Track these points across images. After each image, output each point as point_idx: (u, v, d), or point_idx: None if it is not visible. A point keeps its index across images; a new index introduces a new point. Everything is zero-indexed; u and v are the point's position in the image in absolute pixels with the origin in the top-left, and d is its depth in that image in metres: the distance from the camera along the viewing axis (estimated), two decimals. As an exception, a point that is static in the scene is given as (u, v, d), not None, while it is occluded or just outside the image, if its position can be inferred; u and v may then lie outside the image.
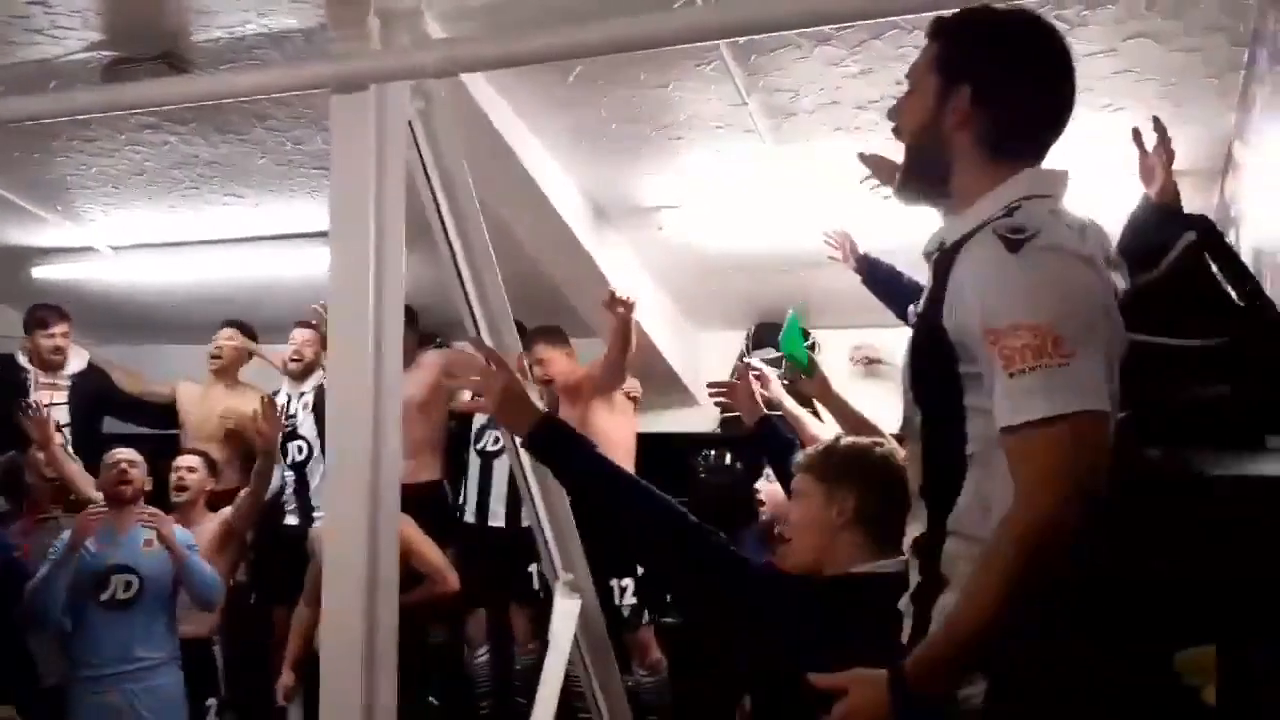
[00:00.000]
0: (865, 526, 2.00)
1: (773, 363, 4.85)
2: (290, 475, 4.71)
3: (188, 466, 4.26)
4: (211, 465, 4.38)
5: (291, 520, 4.69)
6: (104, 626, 3.70)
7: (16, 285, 5.23)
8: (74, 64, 3.05)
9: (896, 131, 1.62)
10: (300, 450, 4.70)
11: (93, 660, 3.69)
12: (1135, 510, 1.43)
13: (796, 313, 3.88)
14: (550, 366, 4.49)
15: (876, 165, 2.76)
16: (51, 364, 4.89)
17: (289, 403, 4.73)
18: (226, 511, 4.30)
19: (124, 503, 3.83)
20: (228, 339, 5.00)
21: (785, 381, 4.75)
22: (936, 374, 1.47)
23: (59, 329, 4.86)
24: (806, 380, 3.27)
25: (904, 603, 1.59)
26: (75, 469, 4.39)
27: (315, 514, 4.58)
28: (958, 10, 1.60)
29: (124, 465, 3.84)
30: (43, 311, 4.87)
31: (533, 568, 4.43)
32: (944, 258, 1.49)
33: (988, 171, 1.51)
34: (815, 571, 2.05)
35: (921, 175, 1.59)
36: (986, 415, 1.39)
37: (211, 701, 4.17)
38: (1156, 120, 2.15)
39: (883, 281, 3.31)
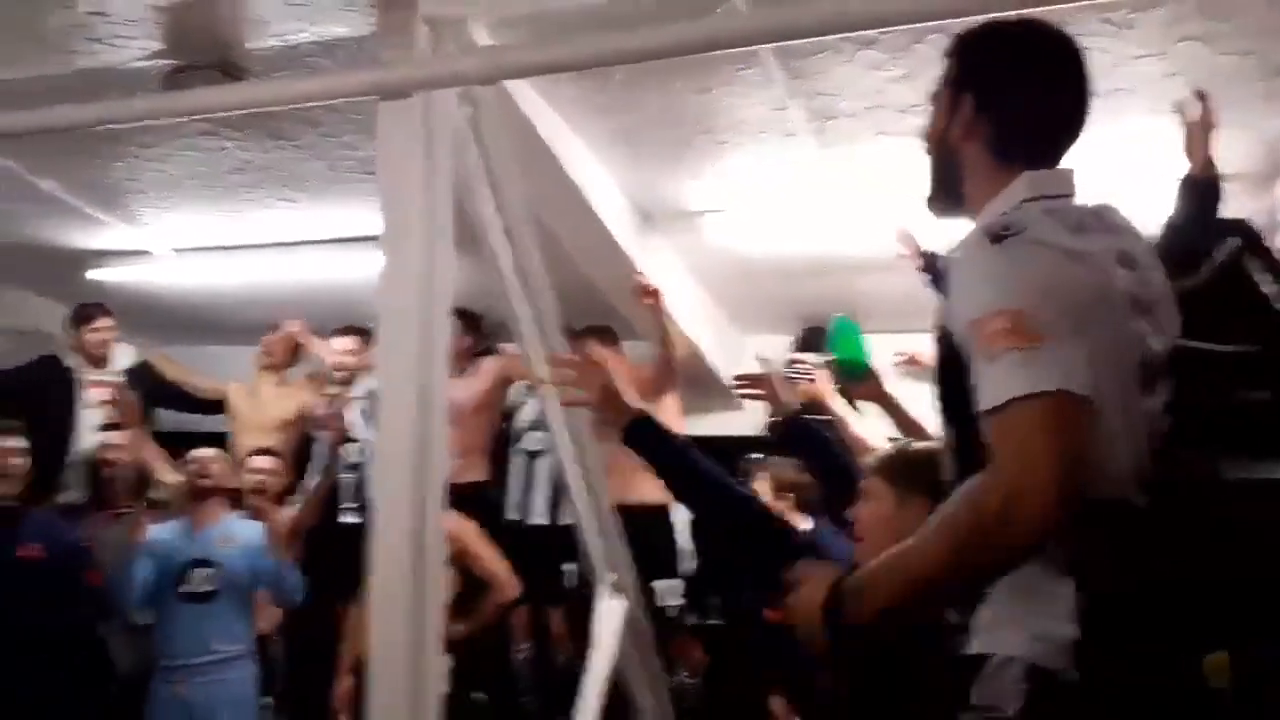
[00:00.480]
0: None
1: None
2: (350, 476, 4.78)
3: (270, 470, 4.36)
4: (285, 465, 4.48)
5: (352, 519, 4.76)
6: (183, 619, 3.80)
7: (76, 287, 5.36)
8: (133, 72, 3.13)
9: (927, 151, 1.65)
10: (361, 452, 4.77)
11: (170, 651, 3.80)
12: (1165, 514, 1.42)
13: (845, 318, 3.93)
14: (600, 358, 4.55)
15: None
16: (98, 359, 4.98)
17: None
18: (289, 510, 4.39)
19: (204, 497, 3.93)
20: (272, 344, 5.12)
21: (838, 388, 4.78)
22: (953, 382, 1.46)
23: (103, 323, 4.96)
24: (860, 384, 3.28)
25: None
26: (154, 450, 4.51)
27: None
28: (975, 25, 1.61)
29: (204, 461, 3.96)
30: (88, 308, 4.97)
31: (566, 567, 4.47)
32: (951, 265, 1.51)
33: (995, 177, 1.52)
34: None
35: (939, 187, 1.62)
36: None
37: (268, 700, 4.23)
38: (1201, 92, 2.14)
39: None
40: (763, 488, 3.71)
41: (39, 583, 3.75)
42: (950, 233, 2.24)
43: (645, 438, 2.24)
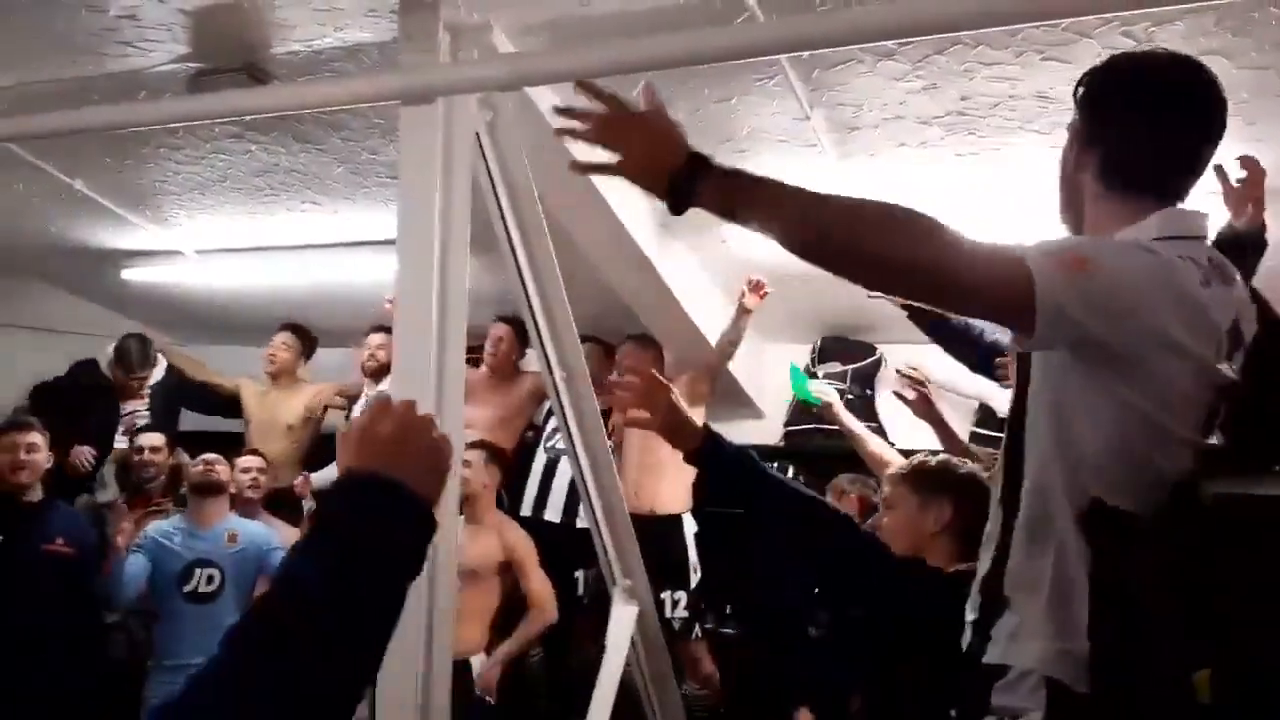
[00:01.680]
0: (957, 535, 2.14)
1: (837, 376, 4.87)
2: None
3: (259, 467, 4.42)
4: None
5: None
6: (187, 618, 3.85)
7: (107, 286, 5.44)
8: (161, 75, 3.18)
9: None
10: None
11: (174, 650, 3.84)
12: (1182, 530, 1.44)
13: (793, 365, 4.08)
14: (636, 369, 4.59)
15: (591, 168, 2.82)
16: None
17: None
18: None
19: (208, 492, 3.98)
20: (283, 344, 5.20)
21: (856, 398, 4.79)
22: (1020, 401, 1.51)
23: (144, 374, 5.11)
24: (911, 402, 3.31)
25: (968, 613, 1.64)
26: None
27: None
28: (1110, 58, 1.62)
29: (208, 461, 4.03)
30: (124, 353, 5.11)
31: (579, 574, 4.49)
32: None
33: (1112, 211, 1.51)
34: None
35: (1066, 221, 1.62)
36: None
37: None
38: (1248, 159, 2.12)
39: (947, 336, 3.33)
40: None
41: (63, 577, 3.82)
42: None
43: (716, 457, 2.22)
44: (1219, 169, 2.10)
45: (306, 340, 5.32)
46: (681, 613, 4.42)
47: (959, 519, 2.16)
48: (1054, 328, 1.33)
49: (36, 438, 3.88)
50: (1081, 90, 1.58)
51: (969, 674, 1.57)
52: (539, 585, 4.20)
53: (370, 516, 1.06)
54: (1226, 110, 1.51)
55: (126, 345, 5.12)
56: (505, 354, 4.90)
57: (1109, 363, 1.39)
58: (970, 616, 1.61)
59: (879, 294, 1.86)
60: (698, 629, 4.53)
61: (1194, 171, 1.53)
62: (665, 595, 4.35)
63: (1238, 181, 2.12)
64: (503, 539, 4.19)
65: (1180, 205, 1.51)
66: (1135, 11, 2.34)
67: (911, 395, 3.22)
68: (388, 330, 4.79)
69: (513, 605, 4.24)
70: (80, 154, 4.03)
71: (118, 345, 5.15)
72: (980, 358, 3.18)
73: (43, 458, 3.90)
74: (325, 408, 5.16)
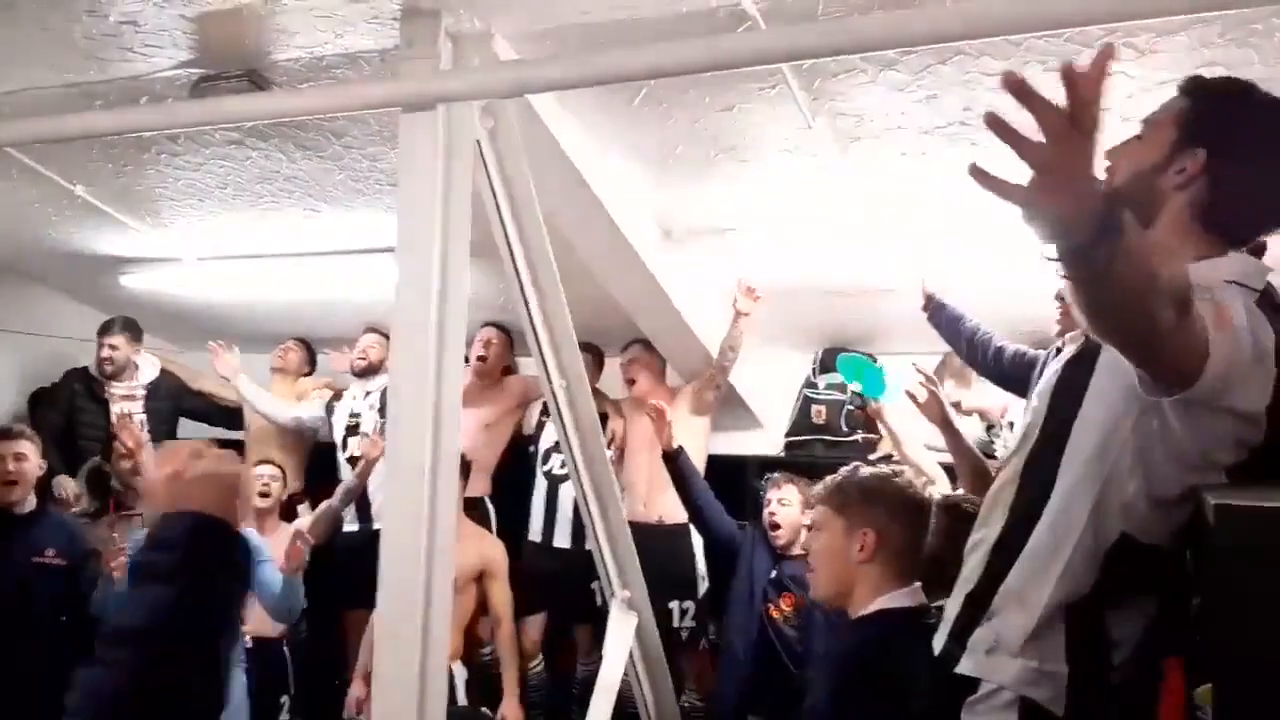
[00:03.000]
0: (886, 559, 2.03)
1: (838, 387, 4.86)
2: (348, 471, 4.84)
3: (271, 475, 4.40)
4: (287, 473, 4.51)
5: (350, 526, 4.79)
6: None
7: (106, 291, 5.43)
8: (163, 80, 3.17)
9: (1107, 170, 1.58)
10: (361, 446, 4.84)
11: None
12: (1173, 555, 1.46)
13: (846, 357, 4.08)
14: (639, 375, 4.60)
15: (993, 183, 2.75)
16: (104, 372, 5.14)
17: (354, 401, 4.88)
18: (303, 522, 4.41)
19: None
20: (293, 346, 5.32)
21: (857, 408, 4.78)
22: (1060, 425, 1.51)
23: (111, 339, 5.14)
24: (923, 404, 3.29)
25: (948, 607, 1.65)
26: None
27: (373, 519, 4.70)
28: (1217, 77, 1.61)
29: None
30: (104, 324, 5.20)
31: (595, 585, 4.48)
32: None
33: (1193, 238, 1.48)
34: (839, 602, 2.09)
35: (1110, 219, 1.54)
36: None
37: (285, 699, 4.34)
38: None
39: (945, 324, 3.36)
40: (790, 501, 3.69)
41: (54, 589, 3.79)
42: (963, 260, 2.24)
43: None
44: None
45: (310, 353, 5.37)
46: (689, 622, 4.42)
47: (887, 543, 2.02)
48: (1206, 390, 1.30)
49: (26, 447, 3.85)
50: (1212, 112, 1.52)
51: (938, 681, 1.57)
52: (501, 600, 4.31)
53: (183, 547, 1.20)
54: None
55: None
56: (493, 358, 4.90)
57: (1192, 414, 1.36)
58: (948, 622, 1.60)
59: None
60: (704, 640, 4.52)
61: None
62: (674, 605, 4.35)
63: None
64: (480, 551, 4.28)
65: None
66: (1138, 22, 2.33)
67: (923, 397, 3.20)
68: (380, 332, 4.85)
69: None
70: (81, 159, 4.02)
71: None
72: (996, 367, 3.19)
73: (32, 467, 3.87)
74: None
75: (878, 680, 1.92)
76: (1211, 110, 1.51)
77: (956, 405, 3.59)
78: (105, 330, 5.18)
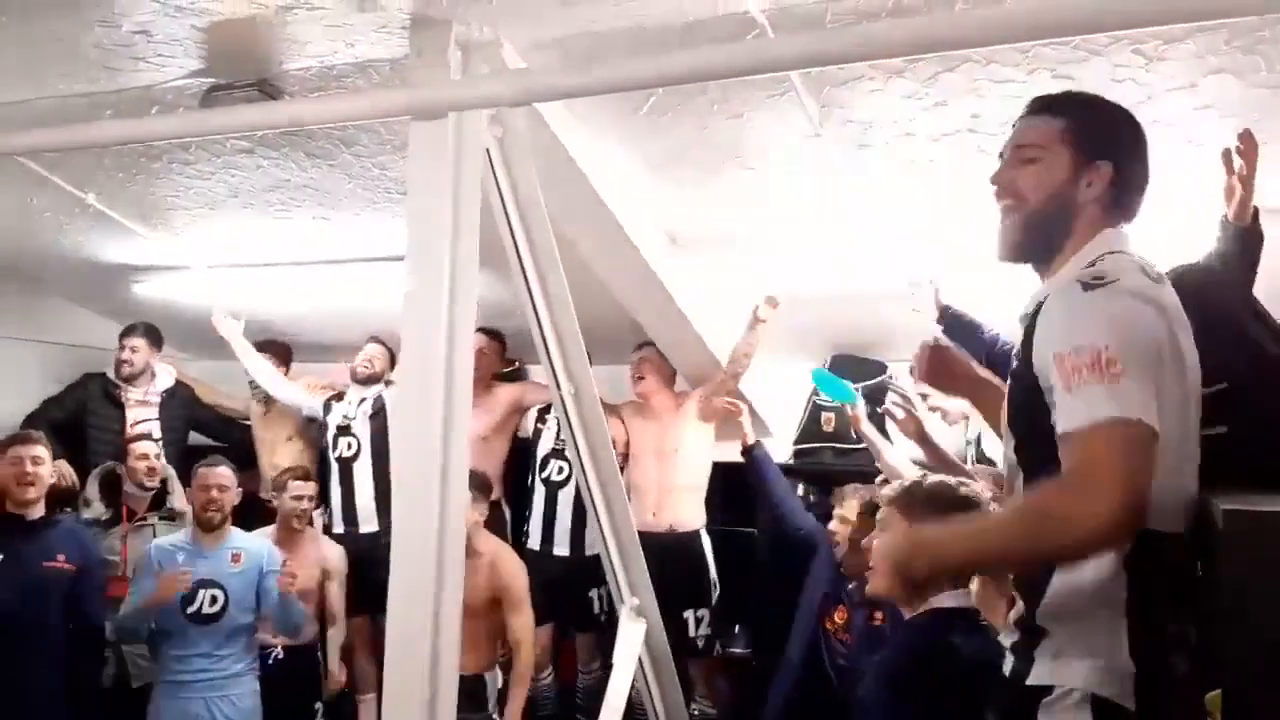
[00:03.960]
0: None
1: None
2: (336, 471, 4.86)
3: (309, 495, 4.44)
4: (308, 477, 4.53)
5: (337, 529, 4.82)
6: (190, 637, 3.84)
7: (119, 300, 5.46)
8: (174, 90, 3.19)
9: (1004, 195, 1.75)
10: (350, 446, 4.90)
11: (178, 668, 3.84)
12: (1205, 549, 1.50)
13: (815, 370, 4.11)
14: (648, 373, 4.59)
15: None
16: (121, 375, 5.17)
17: (350, 405, 4.92)
18: (335, 564, 4.49)
19: (213, 526, 3.97)
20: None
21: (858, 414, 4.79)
22: (1033, 427, 1.57)
23: (128, 343, 5.18)
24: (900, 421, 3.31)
25: (1004, 634, 1.73)
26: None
27: (359, 523, 4.77)
28: (1068, 93, 1.80)
29: (215, 492, 3.97)
30: (127, 328, 5.24)
31: (593, 593, 4.48)
32: (1034, 314, 1.62)
33: (1105, 230, 1.67)
34: (894, 599, 2.26)
35: (1038, 240, 1.71)
36: None
37: (319, 705, 4.41)
38: (1245, 133, 2.20)
39: (961, 334, 3.35)
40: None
41: (64, 594, 3.82)
42: (973, 268, 2.27)
43: None
44: (1226, 155, 2.14)
45: (284, 358, 5.48)
46: (705, 630, 4.41)
47: None
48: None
49: (41, 451, 3.88)
50: (1100, 126, 1.71)
51: (1012, 697, 1.62)
52: (523, 628, 4.13)
53: None
54: None
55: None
56: (486, 366, 4.91)
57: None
58: (1009, 642, 1.68)
59: None
60: (718, 646, 4.51)
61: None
62: (688, 614, 4.34)
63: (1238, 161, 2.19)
64: (495, 574, 4.12)
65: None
66: (1146, 29, 2.34)
67: (900, 415, 3.20)
68: (384, 344, 4.89)
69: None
70: (92, 168, 4.05)
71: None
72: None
73: (46, 471, 3.90)
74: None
75: (928, 678, 2.06)
76: (1095, 123, 1.71)
77: (924, 397, 3.68)
78: (127, 333, 5.22)
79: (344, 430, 4.92)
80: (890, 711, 2.17)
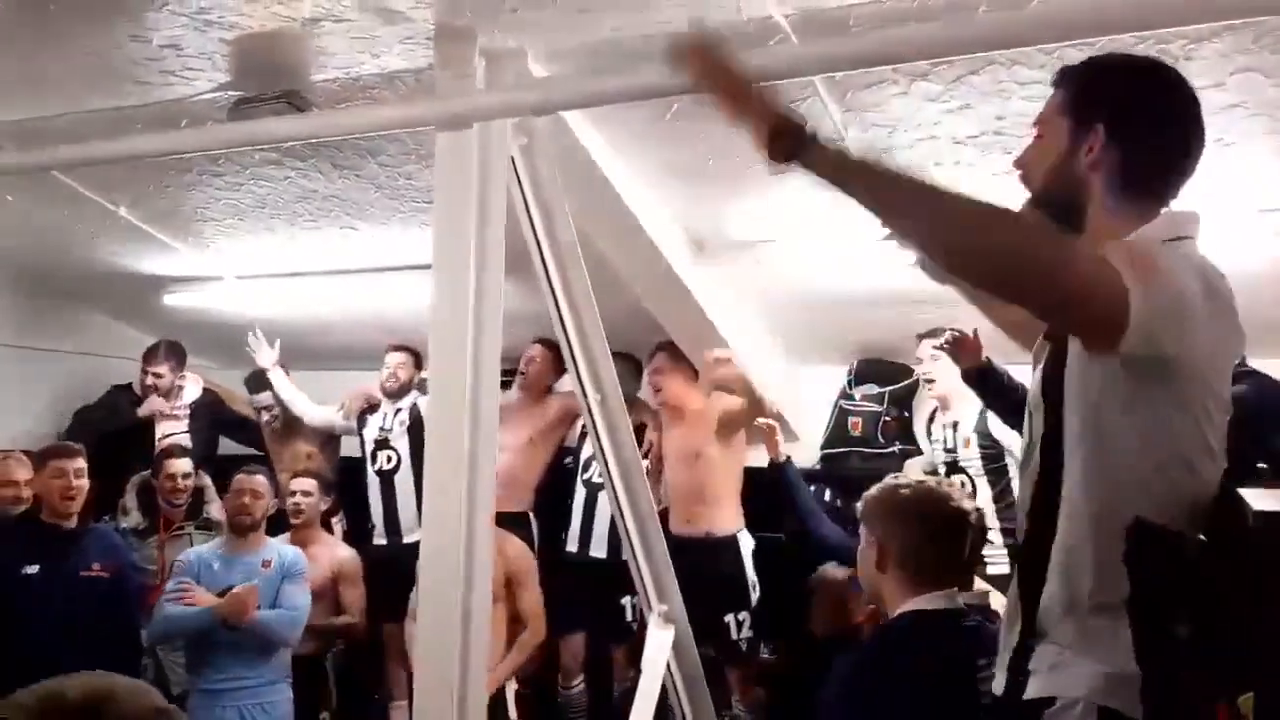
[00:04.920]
0: (898, 563, 2.06)
1: (874, 399, 4.84)
2: (376, 484, 4.87)
3: (303, 490, 4.44)
4: (327, 486, 4.55)
5: (379, 540, 4.84)
6: (222, 644, 3.86)
7: (149, 312, 5.52)
8: (203, 103, 3.23)
9: (1025, 180, 1.65)
10: (390, 460, 4.90)
11: (211, 675, 3.87)
12: (1217, 549, 1.44)
13: None
14: (666, 383, 4.57)
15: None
16: (147, 396, 5.24)
17: (385, 418, 4.93)
18: (348, 567, 4.51)
19: (244, 531, 4.01)
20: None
21: (890, 419, 4.77)
22: (1058, 378, 1.51)
23: (152, 369, 5.24)
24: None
25: (1000, 649, 1.62)
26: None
27: (403, 533, 4.75)
28: (1085, 59, 1.65)
29: (247, 499, 4.01)
30: (150, 350, 5.30)
31: (625, 600, 4.47)
32: None
33: (1119, 214, 1.52)
34: (877, 612, 2.18)
35: (1053, 214, 1.59)
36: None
37: (324, 715, 4.44)
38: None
39: (993, 390, 3.34)
40: None
41: (100, 601, 3.86)
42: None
43: None
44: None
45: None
46: (747, 632, 4.38)
47: (902, 548, 2.05)
48: (1139, 340, 1.34)
49: (82, 463, 3.94)
50: (1095, 88, 1.58)
51: (1008, 715, 1.55)
52: (530, 604, 4.21)
53: None
54: None
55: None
56: (536, 374, 4.92)
57: (1161, 375, 1.39)
58: (1005, 657, 1.58)
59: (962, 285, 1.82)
60: (762, 647, 4.49)
61: (1190, 176, 1.57)
62: (729, 618, 4.32)
63: None
64: (503, 556, 4.13)
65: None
66: (1172, 29, 2.33)
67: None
68: (406, 350, 4.89)
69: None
70: (123, 181, 4.10)
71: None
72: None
73: (86, 483, 3.95)
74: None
75: (893, 677, 1.96)
76: (1089, 86, 1.58)
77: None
78: (149, 357, 5.27)
79: (382, 444, 4.94)
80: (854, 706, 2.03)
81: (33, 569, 3.76)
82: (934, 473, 4.20)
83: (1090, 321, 1.38)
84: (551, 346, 4.88)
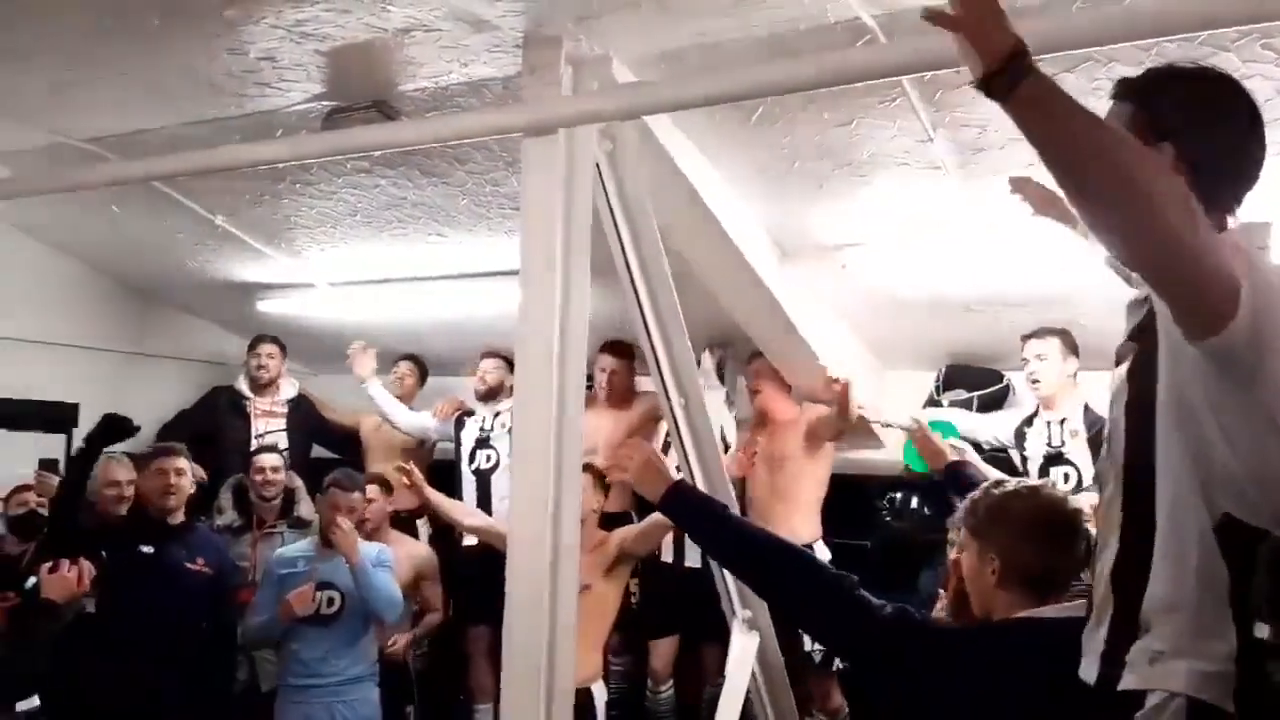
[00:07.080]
0: (1019, 579, 1.96)
1: (963, 404, 4.76)
2: (471, 483, 4.93)
3: (368, 496, 4.51)
4: (386, 487, 4.62)
5: (469, 541, 4.88)
6: (309, 639, 3.95)
7: (244, 317, 5.68)
8: (296, 114, 3.32)
9: None
10: (488, 459, 4.94)
11: (297, 670, 3.95)
12: None
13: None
14: (764, 388, 4.57)
15: (1028, 192, 2.70)
16: (261, 384, 5.38)
17: (485, 420, 5.00)
18: (423, 560, 4.65)
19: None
20: (407, 372, 5.46)
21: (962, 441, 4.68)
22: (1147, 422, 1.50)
23: (264, 349, 5.41)
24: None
25: (1087, 636, 1.62)
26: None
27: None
28: (1144, 71, 1.63)
29: (340, 515, 4.04)
30: (257, 338, 5.47)
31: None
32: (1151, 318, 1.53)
33: None
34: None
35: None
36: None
37: (410, 709, 4.52)
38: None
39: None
40: None
41: (203, 595, 4.00)
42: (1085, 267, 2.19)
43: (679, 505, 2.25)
44: None
45: (422, 369, 5.58)
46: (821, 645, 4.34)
47: (1015, 560, 1.95)
48: (1245, 330, 1.33)
49: (184, 464, 4.08)
50: (1160, 105, 1.55)
51: (1100, 705, 1.54)
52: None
53: None
54: None
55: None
56: (621, 384, 4.92)
57: (1252, 373, 1.38)
58: (1098, 647, 1.58)
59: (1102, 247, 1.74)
60: (837, 661, 4.44)
61: (1254, 186, 1.57)
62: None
63: None
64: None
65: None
66: (1275, 24, 2.25)
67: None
68: (499, 356, 4.95)
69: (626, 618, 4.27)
70: (220, 191, 4.23)
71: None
72: None
73: (188, 482, 4.09)
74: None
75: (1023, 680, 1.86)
76: (1154, 103, 1.55)
77: None
78: (258, 341, 5.45)
79: (482, 443, 4.99)
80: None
81: (149, 549, 3.91)
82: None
83: (1208, 305, 1.35)
84: (621, 353, 4.88)
